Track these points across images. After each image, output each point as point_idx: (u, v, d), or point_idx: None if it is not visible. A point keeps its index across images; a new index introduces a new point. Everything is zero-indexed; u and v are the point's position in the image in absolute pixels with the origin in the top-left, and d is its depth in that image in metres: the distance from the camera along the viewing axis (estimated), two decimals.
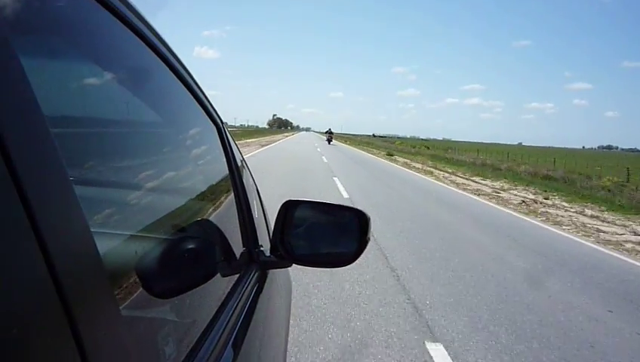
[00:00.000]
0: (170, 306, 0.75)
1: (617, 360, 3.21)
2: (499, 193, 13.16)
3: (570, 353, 3.21)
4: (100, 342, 0.43)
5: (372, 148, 52.17)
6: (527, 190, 14.64)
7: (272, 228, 1.19)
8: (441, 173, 19.90)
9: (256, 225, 1.35)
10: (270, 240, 1.23)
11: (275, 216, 1.17)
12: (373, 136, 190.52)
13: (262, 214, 1.63)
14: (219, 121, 1.31)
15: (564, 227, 8.64)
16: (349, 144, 62.53)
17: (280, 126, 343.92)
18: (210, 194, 1.15)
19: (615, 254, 6.65)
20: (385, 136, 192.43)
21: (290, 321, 1.99)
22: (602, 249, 6.94)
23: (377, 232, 6.33)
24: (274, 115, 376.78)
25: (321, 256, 1.23)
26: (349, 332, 3.26)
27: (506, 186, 15.46)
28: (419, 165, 24.51)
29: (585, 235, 7.98)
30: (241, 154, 1.60)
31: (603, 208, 11.37)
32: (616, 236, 8.08)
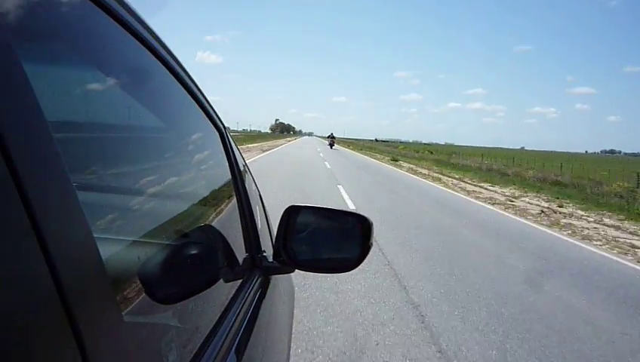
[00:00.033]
0: (173, 312, 0.75)
1: None
2: (513, 201, 12.69)
3: None
4: (103, 347, 0.43)
5: (375, 152, 51.61)
6: (539, 197, 14.27)
7: (275, 234, 1.19)
8: (449, 179, 19.60)
9: (258, 231, 1.35)
10: (273, 246, 1.23)
11: (278, 221, 1.16)
12: (376, 140, 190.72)
13: (264, 219, 1.63)
14: (221, 126, 1.31)
15: (595, 242, 7.75)
16: (351, 149, 62.04)
17: (282, 131, 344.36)
18: (213, 200, 1.15)
19: None
20: (387, 141, 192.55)
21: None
22: None
23: (400, 266, 5.18)
24: (276, 120, 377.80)
25: (324, 262, 1.23)
26: None
27: (517, 193, 15.03)
28: (425, 171, 24.06)
29: (621, 252, 7.09)
30: (243, 159, 1.60)
31: (621, 217, 10.82)
32: None
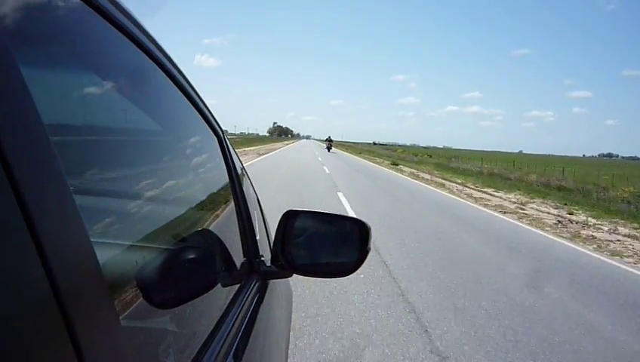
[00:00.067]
0: (171, 316, 0.74)
1: None
2: (523, 209, 12.19)
3: None
4: (99, 351, 0.43)
5: (374, 156, 51.04)
6: (547, 203, 13.85)
7: (273, 238, 1.19)
8: (453, 184, 19.01)
9: (256, 235, 1.35)
10: (271, 250, 1.23)
11: (275, 226, 1.16)
12: (374, 143, 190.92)
13: (262, 224, 1.63)
14: (219, 131, 1.31)
15: (626, 259, 6.96)
16: (350, 152, 61.38)
17: (280, 134, 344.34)
18: (211, 204, 1.15)
19: None
20: (385, 144, 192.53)
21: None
22: None
23: (415, 294, 4.33)
24: (274, 123, 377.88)
25: (322, 266, 1.23)
26: None
27: (523, 199, 14.57)
28: (427, 176, 23.37)
29: None
30: (241, 163, 1.60)
31: (635, 225, 10.38)
32: None
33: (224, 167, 1.30)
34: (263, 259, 1.28)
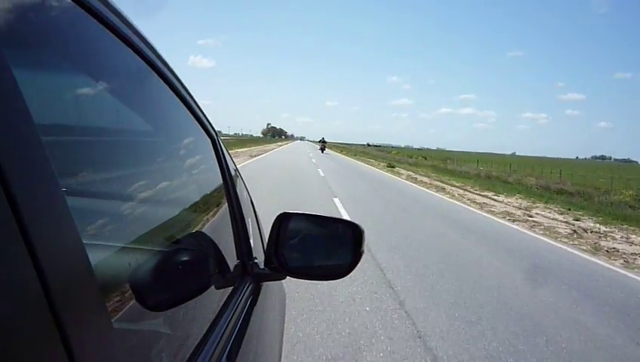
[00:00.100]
0: (164, 319, 0.74)
1: None
2: (531, 216, 11.58)
3: None
4: (91, 354, 0.42)
5: (369, 158, 50.33)
6: (550, 208, 13.40)
7: (266, 241, 1.19)
8: (454, 188, 18.24)
9: (250, 237, 1.36)
10: (264, 252, 1.23)
11: (269, 229, 1.16)
12: (368, 145, 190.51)
13: (256, 226, 1.64)
14: (213, 133, 1.31)
15: None
16: (344, 154, 60.42)
17: (274, 135, 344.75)
18: (204, 206, 1.15)
19: None
20: (379, 146, 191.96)
21: None
22: None
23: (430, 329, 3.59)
24: (268, 124, 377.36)
25: (315, 269, 1.23)
26: None
27: (525, 204, 14.16)
28: (426, 179, 22.52)
29: None
30: (235, 165, 1.59)
31: None
32: None
33: (218, 169, 1.30)
34: (256, 261, 1.29)
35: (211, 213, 1.18)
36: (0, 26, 0.40)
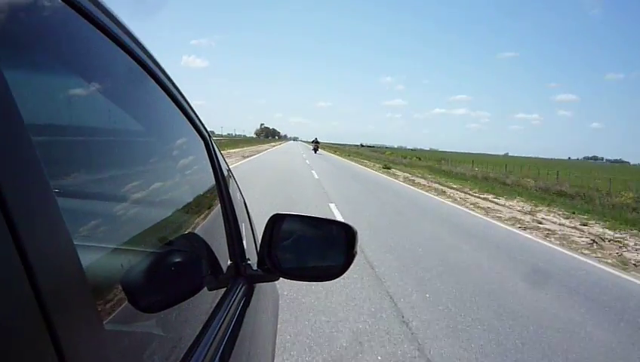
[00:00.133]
0: (156, 320, 0.74)
1: None
2: (539, 222, 11.01)
3: None
4: (82, 355, 0.42)
5: (363, 159, 49.94)
6: (554, 212, 13.11)
7: (260, 242, 1.18)
8: (452, 191, 17.84)
9: (243, 239, 1.35)
10: (257, 254, 1.23)
11: (262, 230, 1.16)
12: (361, 145, 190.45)
13: (249, 227, 1.63)
14: (205, 134, 1.31)
15: None
16: (338, 154, 59.82)
17: (267, 135, 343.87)
18: (197, 207, 1.15)
19: None
20: (373, 146, 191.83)
21: None
22: None
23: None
24: (261, 124, 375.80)
25: (308, 270, 1.23)
26: None
27: (527, 207, 13.78)
28: (423, 181, 22.02)
29: None
30: (228, 166, 1.57)
31: None
32: None
33: (210, 170, 1.30)
34: (249, 262, 1.29)
35: (204, 214, 1.18)
36: None
